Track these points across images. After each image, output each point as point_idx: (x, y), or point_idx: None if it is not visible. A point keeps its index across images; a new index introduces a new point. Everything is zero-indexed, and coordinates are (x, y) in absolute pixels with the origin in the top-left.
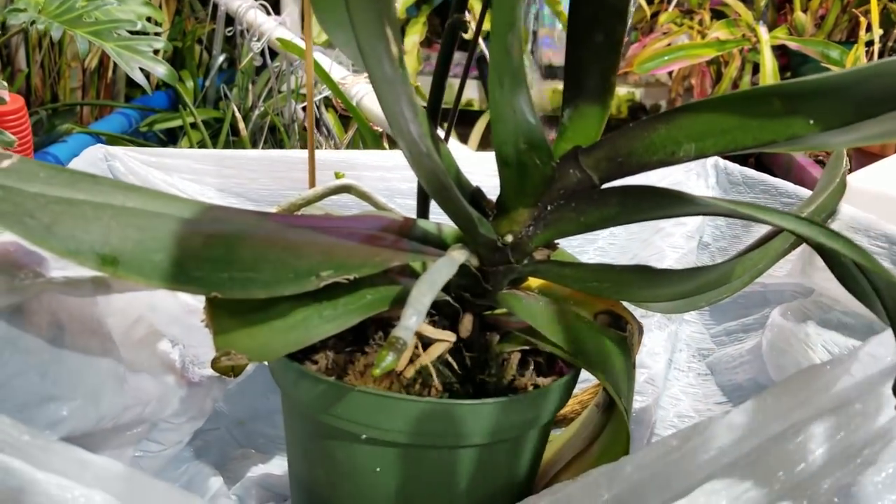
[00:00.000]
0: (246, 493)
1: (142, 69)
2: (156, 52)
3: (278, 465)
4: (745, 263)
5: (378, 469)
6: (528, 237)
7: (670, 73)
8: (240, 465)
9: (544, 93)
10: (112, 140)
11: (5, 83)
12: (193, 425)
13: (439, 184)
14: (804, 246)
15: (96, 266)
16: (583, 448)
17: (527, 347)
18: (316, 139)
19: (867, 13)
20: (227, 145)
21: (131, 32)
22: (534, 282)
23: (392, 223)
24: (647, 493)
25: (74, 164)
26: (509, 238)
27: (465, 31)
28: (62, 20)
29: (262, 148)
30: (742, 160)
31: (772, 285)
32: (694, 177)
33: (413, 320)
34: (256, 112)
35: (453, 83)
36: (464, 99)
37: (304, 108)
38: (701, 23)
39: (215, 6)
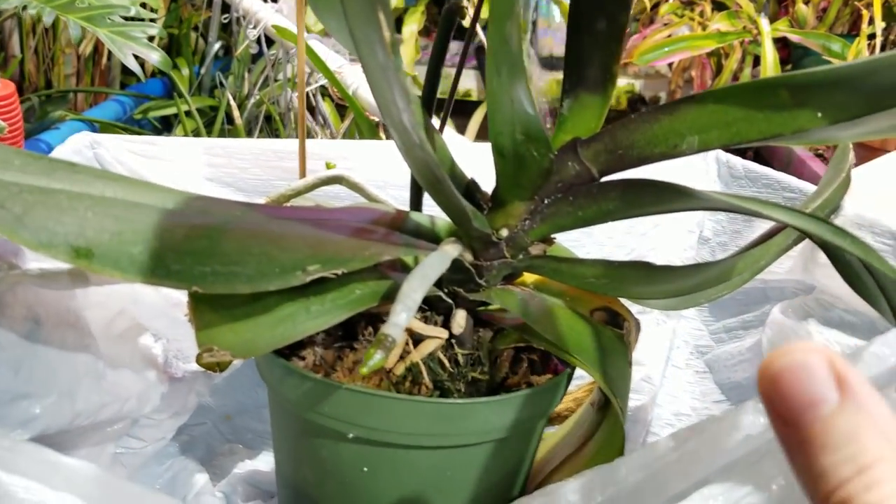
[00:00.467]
0: (232, 489)
1: (135, 56)
2: (150, 38)
3: (266, 462)
4: (746, 260)
5: (365, 469)
6: (523, 231)
7: (670, 65)
8: (226, 460)
9: (545, 83)
10: (105, 127)
11: None
12: (176, 421)
13: (431, 175)
14: (806, 242)
15: (69, 259)
16: (577, 447)
17: (521, 345)
18: (312, 128)
19: (869, 6)
20: (221, 134)
21: (125, 18)
22: (529, 277)
23: (383, 216)
24: (642, 496)
25: (59, 151)
26: (504, 232)
27: (463, 18)
28: (54, 5)
29: (258, 137)
30: (741, 153)
31: (772, 282)
32: (694, 171)
33: (403, 317)
34: (252, 100)
35: (450, 73)
36: (461, 89)
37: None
38: (702, 14)
39: None
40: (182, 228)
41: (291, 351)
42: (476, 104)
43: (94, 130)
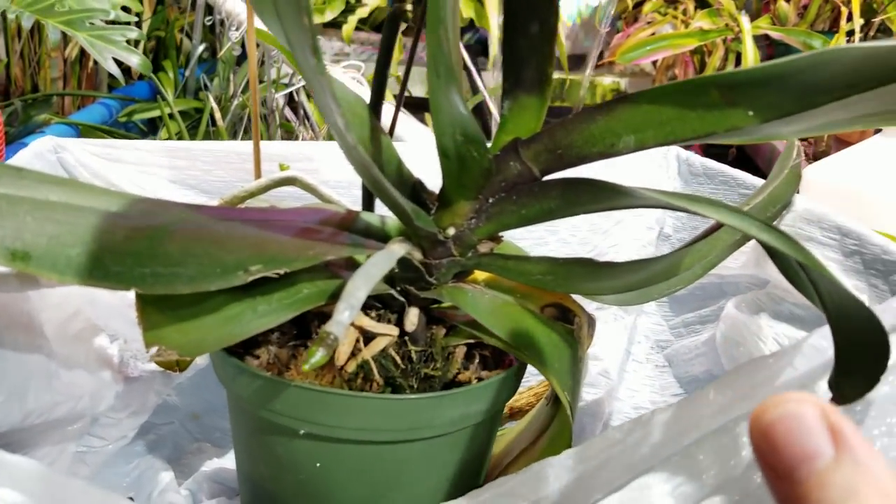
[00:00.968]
0: (198, 487)
1: (117, 60)
2: (130, 42)
3: (232, 459)
4: (693, 255)
5: (318, 464)
6: (470, 230)
7: (655, 63)
8: (194, 459)
9: None
10: (89, 131)
11: None
12: (136, 420)
13: (370, 176)
14: None
15: (6, 261)
16: (532, 441)
17: (472, 341)
18: (296, 127)
19: (848, 3)
20: (206, 136)
21: (106, 22)
22: (480, 275)
23: (333, 216)
24: (590, 486)
25: (21, 155)
26: (451, 231)
27: (407, 21)
28: (34, 9)
29: (242, 139)
30: (725, 148)
31: (728, 277)
32: (655, 167)
33: (346, 315)
34: (235, 102)
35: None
36: None
37: (285, 97)
38: (685, 12)
39: None
40: (123, 230)
41: (246, 349)
42: None
43: (79, 134)
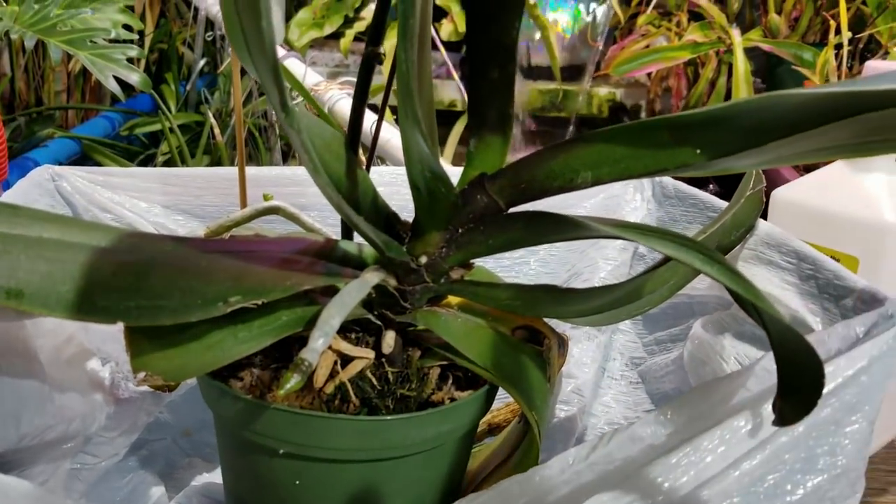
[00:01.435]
0: (188, 500)
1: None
2: (130, 60)
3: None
4: (654, 280)
5: (298, 482)
6: (441, 258)
7: (649, 75)
8: (185, 474)
9: (526, 92)
10: (91, 145)
11: None
12: (128, 438)
13: (342, 212)
14: None
15: (1, 300)
16: (506, 457)
17: (445, 363)
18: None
19: (836, 16)
20: (207, 148)
21: (108, 41)
22: (454, 299)
23: (312, 245)
24: (554, 503)
25: (20, 185)
26: (424, 259)
27: (381, 63)
28: (36, 29)
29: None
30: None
31: (697, 297)
32: (631, 190)
33: (320, 342)
34: (234, 117)
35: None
36: (447, 99)
37: None
38: (678, 25)
39: (196, 9)
40: (111, 266)
41: (231, 372)
42: (459, 114)
43: (82, 147)
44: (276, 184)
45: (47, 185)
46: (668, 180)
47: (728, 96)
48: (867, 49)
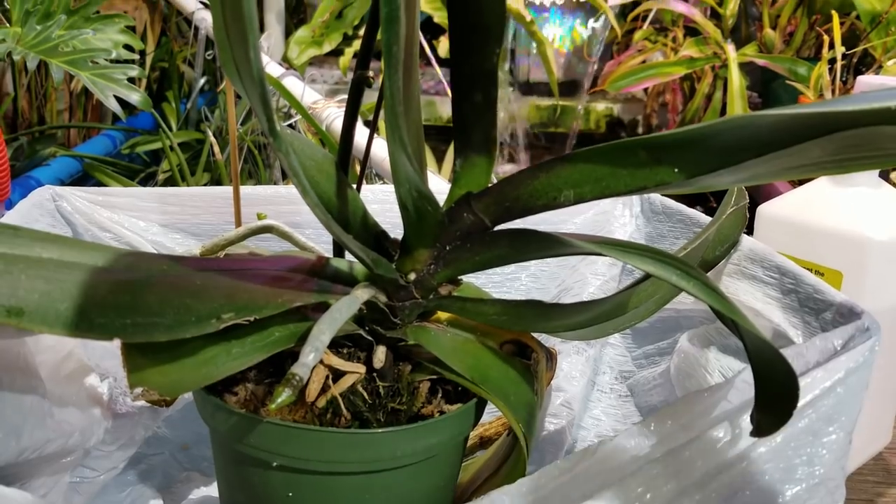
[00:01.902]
0: None
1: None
2: (131, 79)
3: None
4: (639, 294)
5: (290, 494)
6: (429, 275)
7: (646, 90)
8: (183, 487)
9: (524, 108)
10: (93, 164)
11: None
12: (125, 452)
13: (332, 230)
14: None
15: (1, 318)
16: (495, 469)
17: (435, 377)
18: None
19: (829, 31)
20: (206, 168)
21: (110, 61)
22: (443, 315)
23: (304, 263)
24: None
25: (22, 205)
26: (412, 276)
27: (370, 87)
28: (38, 50)
29: (242, 168)
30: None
31: (684, 311)
32: (620, 206)
33: (311, 357)
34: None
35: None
36: (445, 116)
37: (289, 126)
38: (674, 40)
39: (196, 28)
40: (107, 284)
41: (225, 387)
42: None
43: (84, 165)
44: (272, 202)
45: (48, 206)
46: (655, 197)
47: (724, 111)
48: (861, 63)
